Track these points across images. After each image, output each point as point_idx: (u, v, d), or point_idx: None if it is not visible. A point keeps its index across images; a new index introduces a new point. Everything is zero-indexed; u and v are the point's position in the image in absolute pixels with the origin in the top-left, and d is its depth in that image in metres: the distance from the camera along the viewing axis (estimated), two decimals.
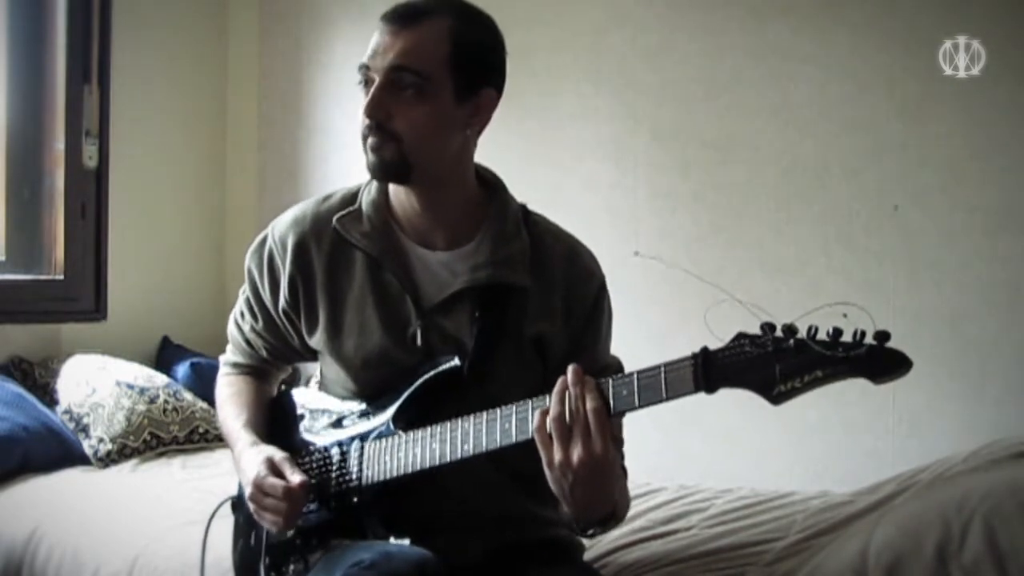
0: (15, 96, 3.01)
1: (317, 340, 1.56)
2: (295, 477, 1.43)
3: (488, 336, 1.47)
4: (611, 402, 1.26)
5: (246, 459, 1.51)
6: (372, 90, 1.41)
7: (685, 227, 2.73)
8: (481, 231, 1.52)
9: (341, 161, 3.32)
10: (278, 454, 1.48)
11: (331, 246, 1.54)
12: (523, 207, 1.58)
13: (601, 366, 1.56)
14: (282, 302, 1.57)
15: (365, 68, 1.43)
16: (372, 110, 1.41)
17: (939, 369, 2.37)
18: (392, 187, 1.53)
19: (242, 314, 1.67)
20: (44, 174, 3.07)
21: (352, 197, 1.57)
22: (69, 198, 3.05)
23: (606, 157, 2.85)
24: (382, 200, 1.54)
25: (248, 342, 1.67)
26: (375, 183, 1.56)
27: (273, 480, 1.43)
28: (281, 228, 1.59)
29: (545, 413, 1.28)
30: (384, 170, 1.45)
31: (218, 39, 3.56)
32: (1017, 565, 1.41)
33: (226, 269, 3.53)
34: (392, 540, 1.41)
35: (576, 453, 1.24)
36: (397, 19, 1.41)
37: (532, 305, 1.51)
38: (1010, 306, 2.32)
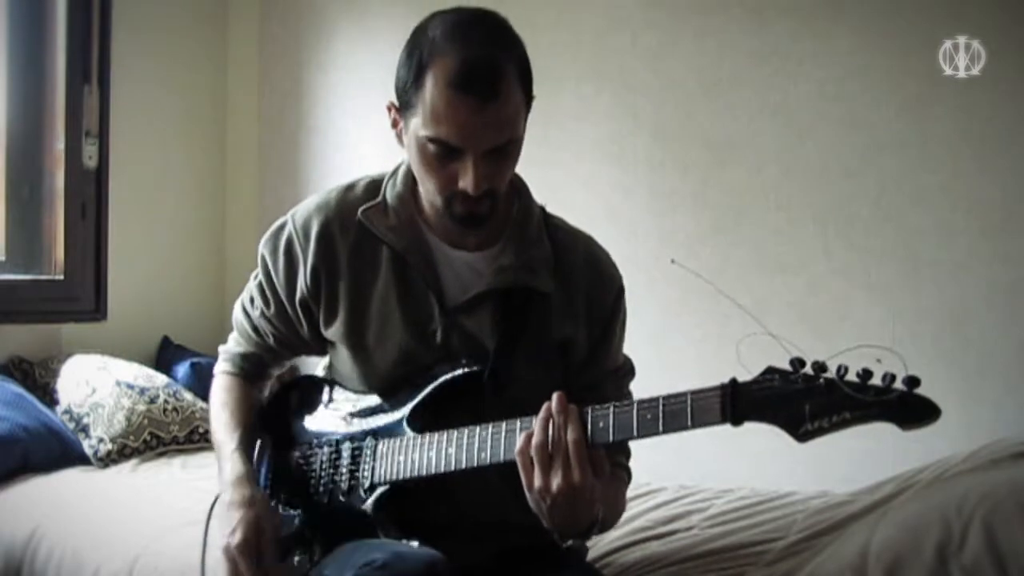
0: (15, 96, 3.01)
1: (335, 332, 1.54)
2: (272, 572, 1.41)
3: (510, 340, 1.46)
4: (611, 431, 1.26)
5: (233, 497, 1.47)
6: (474, 170, 1.35)
7: (685, 227, 2.73)
8: (505, 233, 1.52)
9: (341, 161, 3.32)
10: (267, 522, 1.44)
11: (356, 237, 1.52)
12: (542, 209, 1.59)
13: (613, 367, 1.58)
14: (300, 291, 1.55)
15: (446, 144, 1.35)
16: (482, 187, 1.36)
17: (939, 369, 2.37)
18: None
19: (252, 300, 1.65)
20: (44, 174, 3.07)
21: (376, 188, 1.55)
22: (69, 198, 3.05)
23: (606, 157, 2.85)
24: (408, 194, 1.53)
25: (256, 328, 1.65)
26: (400, 176, 1.54)
27: (247, 565, 1.39)
28: (303, 216, 1.56)
29: (530, 437, 1.28)
30: (478, 223, 1.43)
31: (218, 39, 3.56)
32: (1017, 565, 1.41)
33: (226, 269, 3.53)
34: (402, 541, 1.40)
35: (555, 482, 1.26)
36: (478, 89, 1.32)
37: (556, 309, 1.51)
38: (1010, 306, 2.32)
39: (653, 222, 2.77)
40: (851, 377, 1.11)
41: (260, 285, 1.62)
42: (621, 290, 1.59)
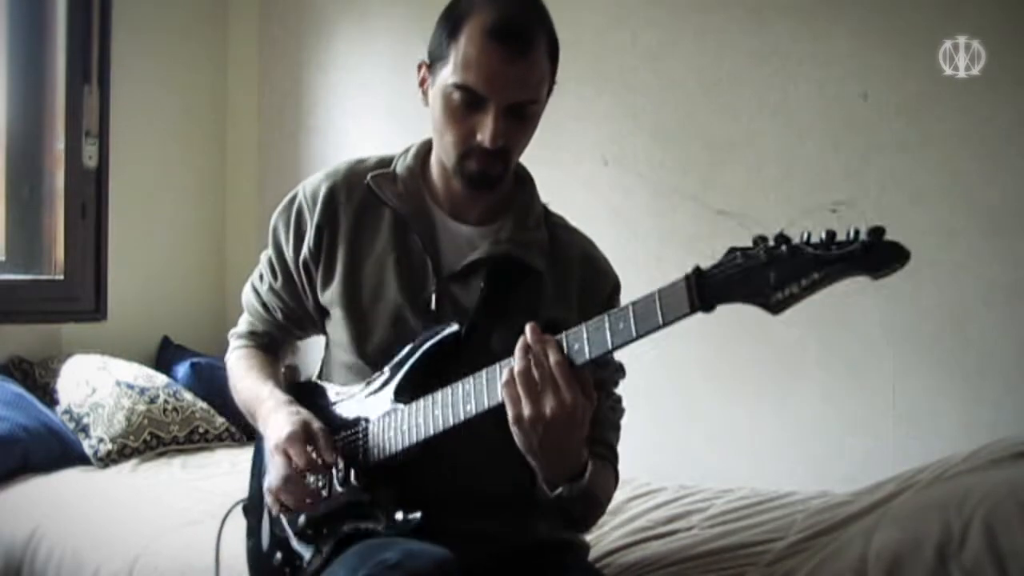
0: (15, 96, 3.01)
1: (331, 294, 1.56)
2: (327, 454, 1.42)
3: (493, 306, 1.49)
4: (587, 349, 1.26)
5: (279, 415, 1.48)
6: (494, 123, 1.39)
7: (685, 227, 2.73)
8: (506, 214, 1.56)
9: (341, 161, 3.32)
10: (316, 422, 1.47)
11: (360, 200, 1.57)
12: (545, 206, 1.62)
13: (610, 365, 1.57)
14: (304, 252, 1.58)
15: (472, 91, 1.39)
16: (497, 140, 1.40)
17: (939, 369, 2.37)
18: (435, 159, 1.55)
19: (261, 276, 1.68)
20: (44, 174, 3.07)
21: (387, 162, 1.60)
22: (69, 198, 3.06)
23: (606, 157, 2.85)
24: (418, 168, 1.57)
25: (264, 304, 1.67)
26: (411, 153, 1.59)
27: (299, 451, 1.42)
28: (313, 183, 1.61)
29: (513, 371, 1.29)
30: (488, 184, 1.47)
31: (218, 39, 3.56)
32: (1017, 565, 1.41)
33: (226, 269, 3.54)
34: (400, 516, 1.40)
35: (548, 405, 1.26)
36: (511, 42, 1.38)
37: (547, 290, 1.53)
38: (1010, 306, 2.32)
39: (653, 222, 2.77)
40: (816, 240, 1.10)
41: (270, 259, 1.66)
42: (616, 287, 1.61)
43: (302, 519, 1.51)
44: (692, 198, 2.72)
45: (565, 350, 1.28)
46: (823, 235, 1.09)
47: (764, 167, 2.63)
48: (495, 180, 1.47)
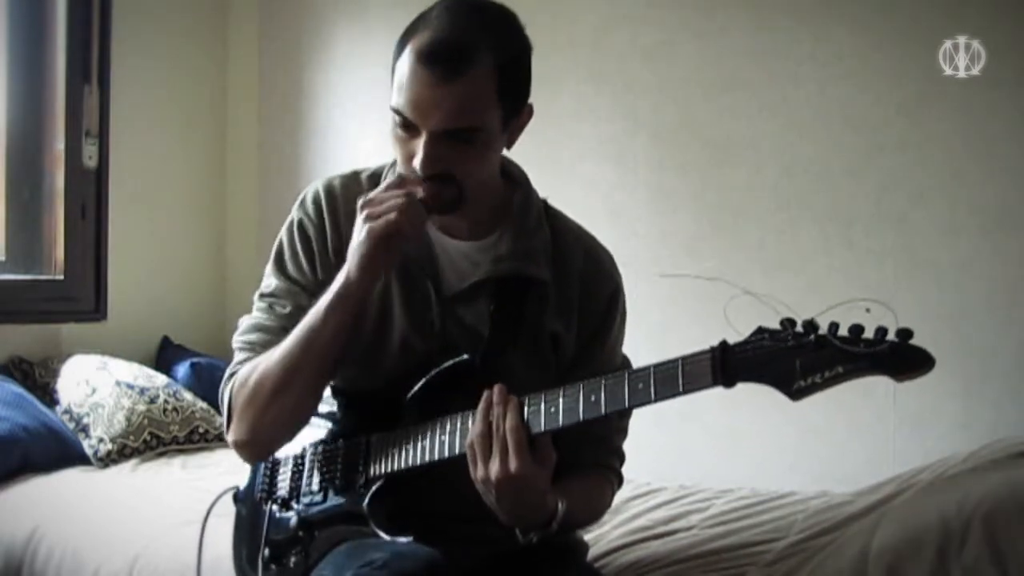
0: (15, 96, 3.01)
1: None
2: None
3: (504, 330, 1.46)
4: (560, 416, 1.26)
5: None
6: (424, 149, 1.33)
7: (685, 227, 2.73)
8: (503, 223, 1.51)
9: (341, 161, 3.32)
10: None
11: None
12: (544, 202, 1.58)
13: (610, 369, 1.56)
14: (321, 275, 1.51)
15: (403, 116, 1.35)
16: (429, 168, 1.34)
17: (939, 369, 2.35)
18: None
19: (270, 306, 1.52)
20: (44, 174, 3.07)
21: (377, 178, 1.55)
22: (69, 198, 3.05)
23: (606, 157, 2.85)
24: None
25: (284, 329, 1.48)
26: (398, 167, 1.51)
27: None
28: (311, 203, 1.54)
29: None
30: (444, 209, 1.41)
31: (218, 39, 3.56)
32: (1017, 565, 1.41)
33: (226, 269, 3.53)
34: (395, 537, 1.39)
35: (493, 470, 1.27)
36: (439, 66, 1.31)
37: (551, 301, 1.50)
38: (1010, 306, 2.32)
39: (653, 222, 2.77)
40: (843, 332, 1.11)
41: (280, 288, 1.53)
42: (617, 289, 1.57)
43: (294, 520, 1.51)
44: (692, 198, 2.72)
45: (526, 415, 1.28)
46: (851, 328, 1.10)
47: (764, 167, 2.63)
48: (450, 205, 1.40)
